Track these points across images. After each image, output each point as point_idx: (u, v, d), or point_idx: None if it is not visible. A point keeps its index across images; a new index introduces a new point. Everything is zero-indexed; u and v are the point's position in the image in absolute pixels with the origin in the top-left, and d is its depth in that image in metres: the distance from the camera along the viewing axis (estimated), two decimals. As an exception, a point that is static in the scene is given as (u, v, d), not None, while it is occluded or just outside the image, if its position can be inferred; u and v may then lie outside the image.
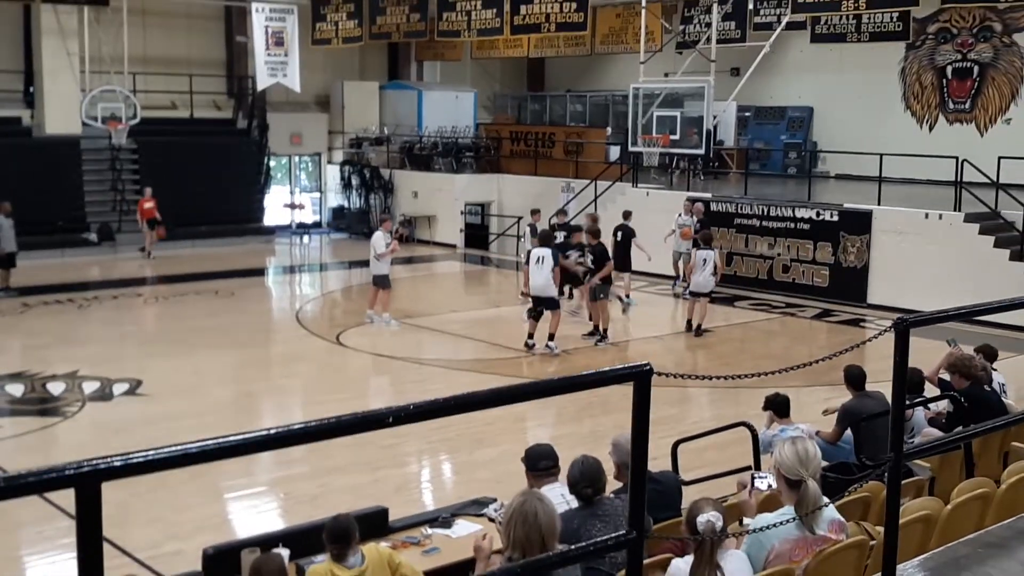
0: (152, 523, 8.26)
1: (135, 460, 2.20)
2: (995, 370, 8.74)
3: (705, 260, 16.12)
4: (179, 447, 2.28)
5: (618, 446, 5.51)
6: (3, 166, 22.53)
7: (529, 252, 15.65)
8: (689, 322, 16.40)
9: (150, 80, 25.43)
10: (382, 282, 16.54)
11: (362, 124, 29.38)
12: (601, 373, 2.99)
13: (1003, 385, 8.59)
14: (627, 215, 18.82)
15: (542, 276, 14.58)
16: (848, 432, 7.91)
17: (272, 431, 2.41)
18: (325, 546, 5.38)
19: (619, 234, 18.08)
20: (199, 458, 2.30)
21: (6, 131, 24.07)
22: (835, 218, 19.11)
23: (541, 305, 14.72)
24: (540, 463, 5.69)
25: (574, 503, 5.22)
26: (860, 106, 24.62)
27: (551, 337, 14.70)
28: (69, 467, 2.10)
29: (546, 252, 14.74)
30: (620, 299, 17.70)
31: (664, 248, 19.56)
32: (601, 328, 15.47)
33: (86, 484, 2.10)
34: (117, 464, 2.17)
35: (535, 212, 19.58)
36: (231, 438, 2.35)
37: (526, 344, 14.79)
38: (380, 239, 16.45)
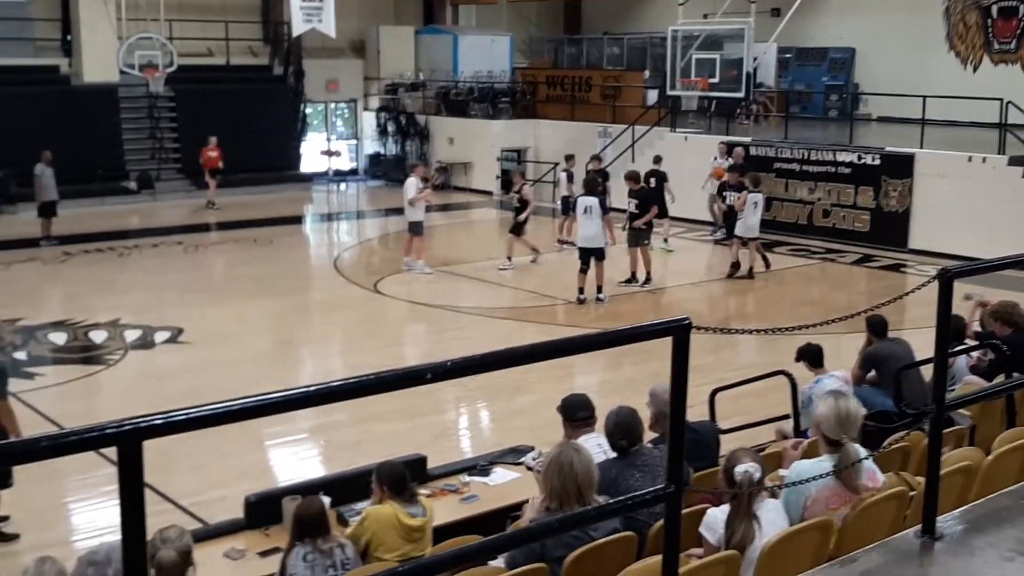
0: (194, 470, 8.37)
1: (176, 418, 2.22)
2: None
3: (756, 203, 15.94)
4: (220, 404, 2.29)
5: (655, 396, 5.50)
6: (42, 115, 22.68)
7: (569, 200, 15.54)
8: (736, 264, 16.26)
9: (186, 27, 25.36)
10: (416, 229, 16.55)
11: (398, 70, 29.23)
12: (639, 328, 2.97)
13: None
14: (658, 160, 18.73)
15: (593, 226, 14.35)
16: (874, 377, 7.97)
17: (312, 388, 2.42)
18: (375, 490, 5.40)
19: (652, 180, 17.98)
20: (240, 415, 2.31)
21: (45, 80, 24.18)
22: (876, 162, 18.84)
23: (591, 255, 14.45)
24: (577, 413, 5.68)
25: (612, 453, 5.23)
26: (903, 47, 24.15)
27: (599, 289, 14.61)
28: (111, 425, 2.12)
29: (593, 201, 14.48)
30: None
31: (703, 195, 19.43)
32: (645, 272, 15.51)
33: (127, 442, 2.13)
34: (158, 422, 2.18)
35: (569, 158, 19.46)
36: (272, 395, 2.36)
37: (577, 299, 14.58)
38: (412, 185, 16.43)
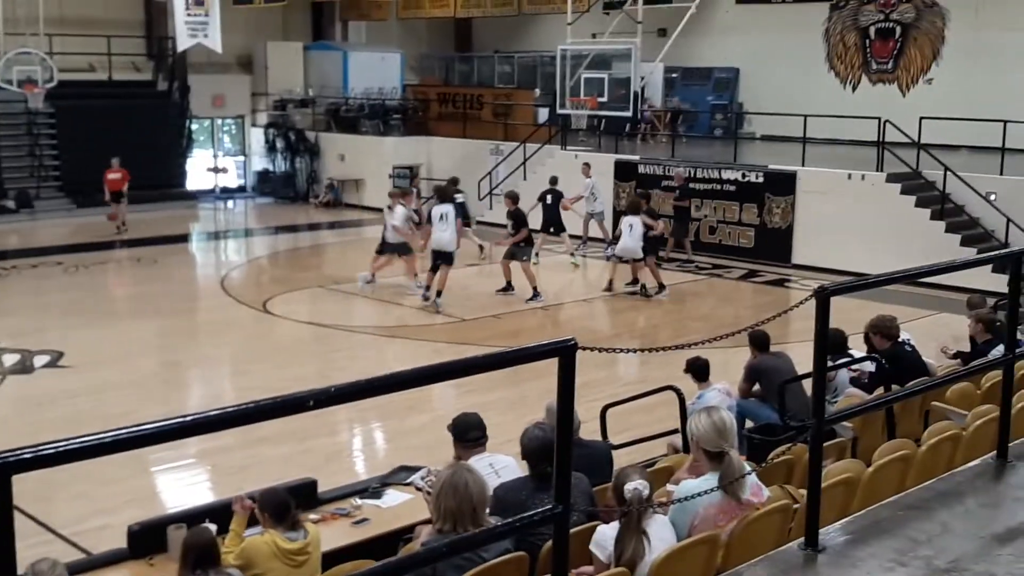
0: (77, 498, 8.10)
1: (46, 451, 2.15)
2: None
3: (632, 226, 16.19)
4: (93, 436, 2.22)
5: (551, 411, 5.50)
6: (-87, 132, 21.81)
7: (430, 211, 15.99)
8: (611, 282, 16.72)
9: (67, 42, 24.64)
10: (402, 249, 16.30)
11: (286, 86, 28.89)
12: (525, 349, 2.97)
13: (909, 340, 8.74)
14: (554, 180, 19.09)
15: (447, 232, 15.24)
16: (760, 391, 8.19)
17: (190, 418, 2.36)
18: (260, 518, 5.33)
19: (548, 197, 18.40)
20: (113, 447, 2.24)
21: (-84, 95, 23.27)
22: (760, 179, 19.32)
23: (440, 260, 15.34)
24: (469, 433, 5.66)
25: (505, 473, 5.22)
26: (785, 67, 24.83)
27: (439, 293, 15.26)
28: (-24, 460, 2.04)
29: (448, 208, 15.41)
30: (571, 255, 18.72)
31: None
32: (532, 288, 15.87)
33: (-4, 476, 2.05)
34: (27, 456, 2.11)
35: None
36: (147, 426, 2.29)
37: (423, 296, 15.50)
38: (401, 214, 16.10)
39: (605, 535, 4.29)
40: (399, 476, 7.04)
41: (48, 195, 23.95)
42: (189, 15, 23.96)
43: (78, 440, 2.19)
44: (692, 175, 20.05)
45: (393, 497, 6.60)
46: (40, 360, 12.43)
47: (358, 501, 6.54)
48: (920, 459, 5.22)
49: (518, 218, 16.23)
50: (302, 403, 2.47)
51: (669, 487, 4.98)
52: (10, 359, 12.46)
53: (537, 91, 27.32)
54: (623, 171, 21.17)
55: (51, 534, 7.47)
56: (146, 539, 5.94)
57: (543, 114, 25.28)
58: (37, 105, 23.34)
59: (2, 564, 2.08)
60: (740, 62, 26.08)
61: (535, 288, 15.84)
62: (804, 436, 5.20)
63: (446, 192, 16.30)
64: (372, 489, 6.72)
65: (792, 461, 5.60)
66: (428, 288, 15.43)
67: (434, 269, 15.38)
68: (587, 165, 20.05)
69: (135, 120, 25.11)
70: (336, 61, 29.24)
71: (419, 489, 6.35)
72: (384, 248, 16.49)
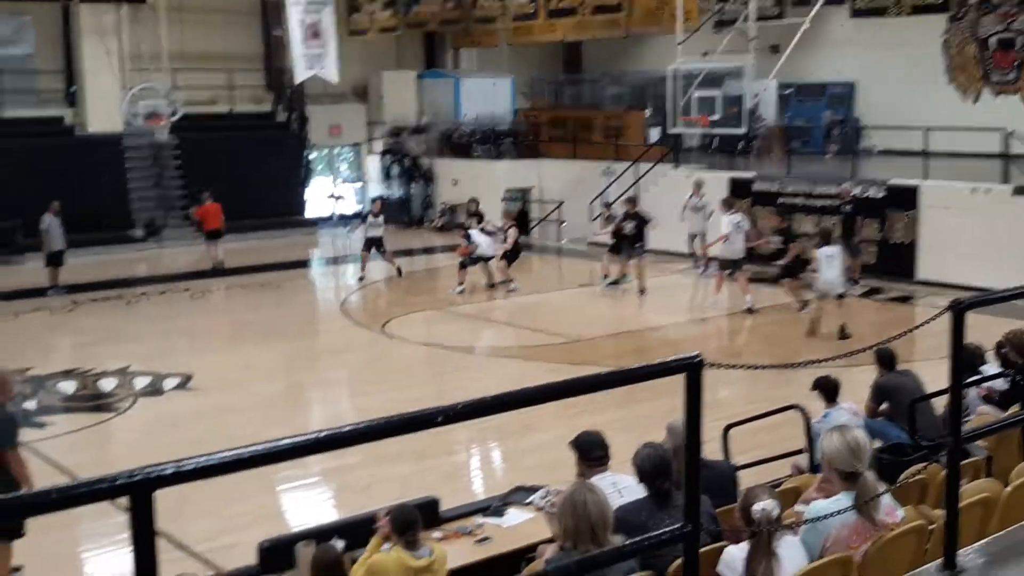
0: (207, 516, 8.30)
1: (187, 467, 2.21)
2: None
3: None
4: (231, 452, 2.27)
5: (673, 431, 5.43)
6: (48, 165, 22.81)
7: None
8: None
9: (189, 76, 25.57)
10: (734, 266, 16.64)
11: (400, 114, 29.39)
12: (650, 367, 2.95)
13: None
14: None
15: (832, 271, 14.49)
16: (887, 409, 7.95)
17: (323, 434, 2.40)
18: (388, 535, 5.37)
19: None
20: (250, 463, 2.30)
21: (50, 131, 24.36)
22: (881, 194, 18.86)
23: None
24: (592, 452, 5.60)
25: (629, 493, 5.17)
26: (903, 80, 24.21)
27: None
28: (122, 476, 2.10)
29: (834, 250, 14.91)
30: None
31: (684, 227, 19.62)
32: (641, 287, 17.46)
33: (139, 492, 2.11)
34: (169, 472, 2.17)
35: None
36: (282, 441, 2.34)
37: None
38: (727, 221, 16.59)
39: (733, 556, 4.22)
40: (518, 496, 7.05)
41: (174, 224, 24.77)
42: (306, 48, 24.64)
43: (217, 456, 2.25)
44: (810, 191, 19.68)
45: (514, 516, 6.61)
46: (170, 383, 12.84)
47: (480, 520, 6.58)
48: (1061, 479, 5.00)
49: (639, 218, 17.41)
50: (431, 419, 2.49)
51: (798, 508, 4.87)
52: (141, 382, 12.89)
53: (648, 111, 27.21)
54: (738, 189, 20.90)
55: (183, 551, 7.67)
56: (276, 556, 6.07)
57: (654, 134, 25.16)
58: (163, 138, 24.21)
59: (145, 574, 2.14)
60: (856, 76, 25.54)
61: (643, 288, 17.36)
62: (937, 456, 5.04)
63: (827, 233, 15.36)
64: (494, 508, 6.74)
65: (925, 481, 5.43)
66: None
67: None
68: (698, 184, 19.79)
69: (256, 151, 25.84)
70: (448, 88, 29.62)
71: (540, 509, 6.35)
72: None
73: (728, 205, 17.20)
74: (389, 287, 20.05)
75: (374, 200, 21.35)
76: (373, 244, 19.87)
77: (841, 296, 14.74)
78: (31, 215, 19.69)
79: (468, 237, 18.60)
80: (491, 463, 10.62)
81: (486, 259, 18.50)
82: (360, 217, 20.81)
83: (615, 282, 18.21)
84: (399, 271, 20.17)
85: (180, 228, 24.60)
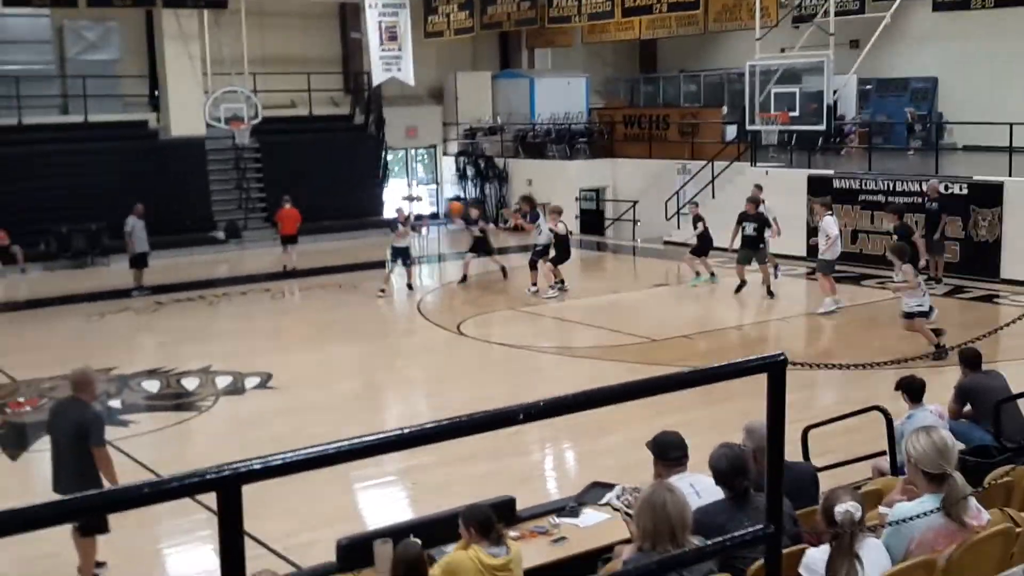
0: (286, 514, 8.41)
1: (274, 462, 2.24)
2: None
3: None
4: (317, 448, 2.30)
5: (752, 432, 5.39)
6: (132, 168, 23.37)
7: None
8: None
9: (269, 80, 25.98)
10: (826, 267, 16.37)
11: (476, 114, 29.52)
12: (733, 365, 2.92)
13: None
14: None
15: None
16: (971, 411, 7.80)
17: (407, 430, 2.42)
18: (464, 533, 5.40)
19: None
20: (336, 458, 2.32)
21: (134, 134, 24.95)
22: (964, 191, 18.45)
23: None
24: (670, 452, 5.57)
25: (706, 494, 5.13)
26: (986, 75, 23.69)
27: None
28: (211, 471, 2.14)
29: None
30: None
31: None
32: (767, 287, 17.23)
33: (227, 487, 2.15)
34: (257, 467, 2.20)
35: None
36: (366, 438, 2.36)
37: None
38: (832, 223, 16.38)
39: (815, 558, 4.17)
40: (594, 493, 7.03)
41: (255, 226, 25.20)
42: (383, 50, 24.83)
43: (303, 451, 2.28)
44: (891, 188, 19.34)
45: (591, 516, 6.59)
46: (251, 382, 13.05)
47: (556, 519, 6.57)
48: None
49: (760, 219, 17.28)
50: (513, 416, 2.50)
51: (882, 510, 4.79)
52: (223, 381, 13.13)
53: (724, 108, 26.96)
54: (817, 186, 20.61)
55: (263, 548, 7.79)
56: (354, 553, 6.12)
57: (731, 131, 24.92)
58: (243, 141, 24.62)
59: (234, 572, 2.18)
60: (938, 71, 25.03)
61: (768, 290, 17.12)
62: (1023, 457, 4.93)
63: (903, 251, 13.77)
64: (570, 508, 6.73)
65: (1011, 484, 5.31)
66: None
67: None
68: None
69: (334, 153, 26.17)
70: (523, 88, 29.68)
71: (616, 509, 6.33)
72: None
73: (827, 207, 16.97)
74: (464, 288, 20.08)
75: (398, 208, 20.45)
76: (399, 255, 19.28)
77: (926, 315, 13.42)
78: (116, 218, 20.16)
79: (535, 218, 18.68)
80: (566, 463, 10.61)
81: (543, 249, 18.25)
82: (390, 225, 19.88)
83: (710, 276, 18.36)
84: (504, 271, 19.84)
85: (260, 230, 25.01)
